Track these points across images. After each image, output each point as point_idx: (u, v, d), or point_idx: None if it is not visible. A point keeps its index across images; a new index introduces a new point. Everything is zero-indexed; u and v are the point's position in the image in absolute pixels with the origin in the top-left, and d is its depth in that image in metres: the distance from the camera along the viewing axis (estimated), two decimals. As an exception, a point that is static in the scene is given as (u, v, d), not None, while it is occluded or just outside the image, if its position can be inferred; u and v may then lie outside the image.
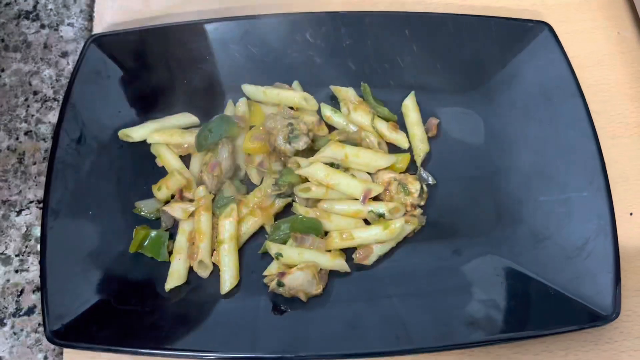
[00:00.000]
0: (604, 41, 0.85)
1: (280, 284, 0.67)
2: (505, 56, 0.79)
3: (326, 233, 0.72)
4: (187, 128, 0.78)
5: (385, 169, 0.74)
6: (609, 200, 0.70)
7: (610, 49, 0.85)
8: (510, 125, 0.77)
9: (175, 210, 0.72)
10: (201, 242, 0.70)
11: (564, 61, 0.77)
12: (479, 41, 0.79)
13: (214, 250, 0.71)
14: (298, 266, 0.68)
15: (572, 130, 0.74)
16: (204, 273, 0.71)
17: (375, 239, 0.70)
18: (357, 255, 0.71)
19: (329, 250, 0.71)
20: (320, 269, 0.69)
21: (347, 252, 0.72)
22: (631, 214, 0.76)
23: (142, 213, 0.74)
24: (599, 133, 0.73)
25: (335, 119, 0.78)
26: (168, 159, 0.75)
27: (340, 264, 0.70)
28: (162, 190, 0.73)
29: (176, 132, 0.76)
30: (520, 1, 0.88)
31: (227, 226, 0.70)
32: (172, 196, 0.74)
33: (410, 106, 0.78)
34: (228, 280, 0.69)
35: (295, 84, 0.80)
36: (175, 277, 0.69)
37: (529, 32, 0.78)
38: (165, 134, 0.75)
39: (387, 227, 0.70)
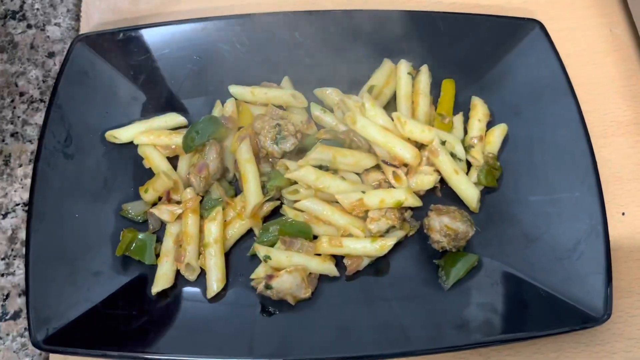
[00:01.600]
0: (596, 39, 0.85)
1: (268, 287, 0.67)
2: (496, 54, 0.78)
3: (315, 237, 0.71)
4: (175, 129, 0.77)
5: (374, 169, 0.73)
6: (600, 200, 0.69)
7: (602, 47, 0.84)
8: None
9: (163, 212, 0.71)
10: (188, 245, 0.69)
11: (556, 59, 0.76)
12: (470, 39, 0.78)
13: (201, 253, 0.70)
14: (287, 269, 0.67)
15: (563, 129, 0.73)
16: (191, 276, 0.70)
17: (364, 252, 0.69)
18: (347, 262, 0.70)
19: (319, 254, 0.70)
20: (310, 273, 0.69)
21: (337, 256, 0.71)
22: (623, 213, 0.75)
23: (129, 215, 0.73)
24: (591, 132, 0.73)
25: (325, 118, 0.76)
26: (155, 160, 0.74)
27: (329, 268, 0.69)
28: (149, 192, 0.72)
29: (163, 133, 0.75)
30: (512, -1, 0.87)
31: (212, 229, 0.70)
32: (160, 198, 0.73)
33: None
34: (214, 283, 0.68)
35: (285, 79, 0.79)
36: (162, 280, 0.69)
37: (520, 29, 0.78)
38: (153, 135, 0.75)
39: (378, 242, 0.68)
